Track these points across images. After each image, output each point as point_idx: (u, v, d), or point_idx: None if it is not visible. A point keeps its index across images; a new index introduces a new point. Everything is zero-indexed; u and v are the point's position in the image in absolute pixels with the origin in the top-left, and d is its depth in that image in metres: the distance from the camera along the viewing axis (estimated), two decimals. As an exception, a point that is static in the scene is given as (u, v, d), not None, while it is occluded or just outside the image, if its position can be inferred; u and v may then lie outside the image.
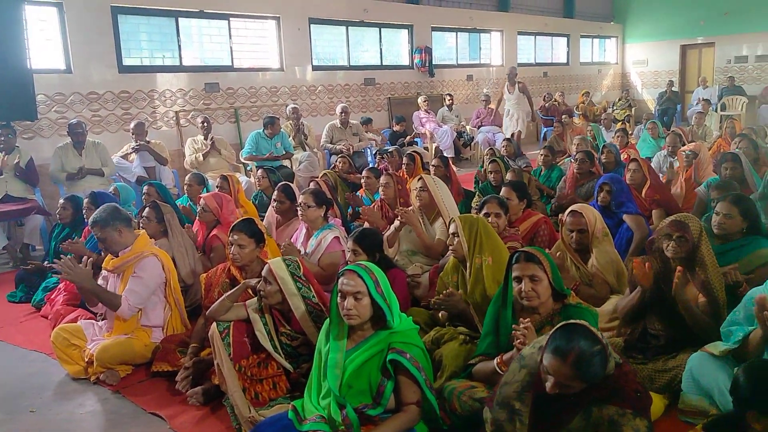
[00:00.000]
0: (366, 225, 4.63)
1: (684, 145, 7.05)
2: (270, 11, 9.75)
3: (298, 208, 4.23)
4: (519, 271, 2.63)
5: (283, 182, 5.00)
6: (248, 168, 8.44)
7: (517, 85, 10.99)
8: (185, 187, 5.75)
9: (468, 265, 3.29)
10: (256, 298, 3.12)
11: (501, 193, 4.39)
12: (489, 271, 3.21)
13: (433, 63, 12.36)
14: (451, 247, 3.39)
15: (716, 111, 13.70)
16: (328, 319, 2.68)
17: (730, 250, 3.49)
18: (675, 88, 15.81)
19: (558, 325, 2.07)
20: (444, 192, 4.56)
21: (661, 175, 6.62)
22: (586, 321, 2.51)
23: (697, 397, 2.67)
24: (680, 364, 2.83)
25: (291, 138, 8.72)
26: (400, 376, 2.46)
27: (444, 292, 3.23)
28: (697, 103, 13.10)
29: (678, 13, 16.75)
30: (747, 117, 13.86)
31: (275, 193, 4.87)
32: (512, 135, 10.92)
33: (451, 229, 3.40)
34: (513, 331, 2.48)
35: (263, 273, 3.03)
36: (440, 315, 3.35)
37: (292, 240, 4.39)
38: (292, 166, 8.44)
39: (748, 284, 3.14)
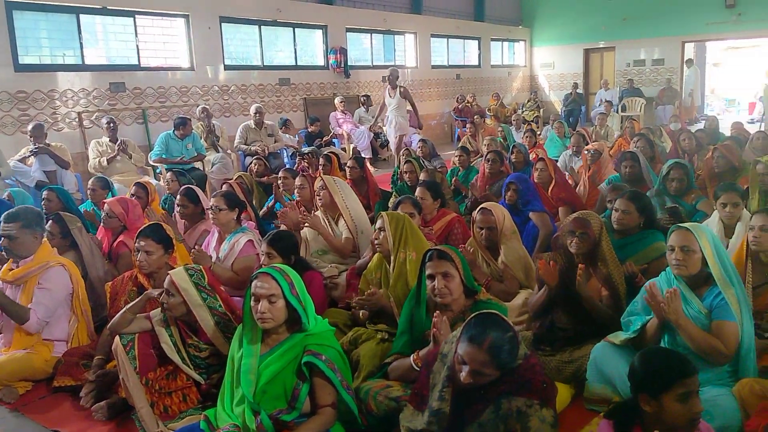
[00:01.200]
0: (283, 227, 4.58)
1: (587, 144, 7.39)
2: (178, 9, 9.45)
3: (209, 212, 4.12)
4: (432, 268, 2.68)
5: (186, 186, 4.83)
6: (158, 171, 8.14)
7: (398, 89, 9.83)
8: (88, 192, 5.46)
9: (392, 259, 3.35)
10: (160, 309, 3.01)
11: (416, 193, 4.46)
12: (412, 265, 3.26)
13: (349, 64, 12.38)
14: (376, 242, 3.43)
15: (617, 112, 14.51)
16: (241, 324, 2.62)
17: (628, 244, 3.70)
18: (579, 90, 16.62)
19: (471, 315, 2.13)
20: (346, 192, 4.59)
21: (567, 173, 6.93)
22: None
23: (601, 386, 2.81)
24: (585, 354, 2.97)
25: (203, 139, 8.49)
26: (315, 378, 2.45)
27: (367, 291, 3.25)
28: (600, 105, 13.82)
29: (581, 19, 17.59)
30: (645, 117, 14.74)
31: (178, 197, 4.70)
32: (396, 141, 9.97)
33: (378, 224, 3.45)
34: (427, 330, 2.52)
35: (165, 284, 2.92)
36: (361, 314, 3.36)
37: (203, 245, 4.28)
38: (204, 168, 8.21)
39: (645, 276, 3.35)
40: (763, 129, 7.91)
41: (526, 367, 2.07)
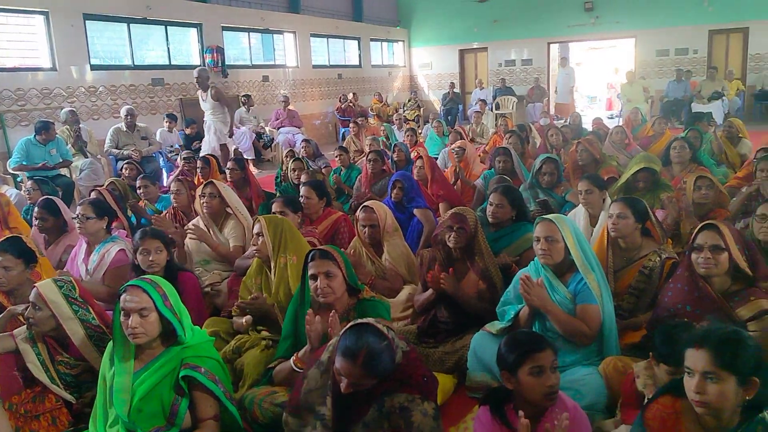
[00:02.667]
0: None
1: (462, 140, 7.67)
2: (36, 5, 8.73)
3: (76, 221, 3.84)
4: (314, 268, 2.66)
5: (44, 197, 4.43)
6: (18, 179, 7.49)
7: (210, 90, 8.93)
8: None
9: (272, 264, 3.27)
10: (25, 327, 2.77)
11: (301, 193, 4.41)
12: (293, 270, 3.21)
13: (227, 63, 12.04)
14: (254, 248, 3.34)
15: (492, 110, 15.17)
16: (111, 341, 2.46)
17: (502, 236, 3.87)
18: (456, 90, 17.22)
19: (346, 327, 2.12)
20: (234, 197, 4.47)
21: (446, 170, 7.15)
22: (380, 313, 2.64)
23: (481, 373, 2.92)
24: (466, 345, 3.09)
25: (69, 144, 7.90)
26: (195, 392, 2.34)
27: (250, 296, 3.16)
28: (475, 104, 14.39)
29: (455, 20, 18.22)
30: (517, 115, 15.54)
31: (35, 210, 4.30)
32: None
33: (255, 229, 3.35)
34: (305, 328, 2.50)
35: (31, 298, 2.70)
36: (244, 321, 3.26)
37: (71, 257, 3.98)
38: (71, 175, 7.66)
39: (518, 266, 3.52)
40: (620, 124, 8.61)
41: (406, 363, 2.10)
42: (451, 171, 6.59)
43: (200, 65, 11.64)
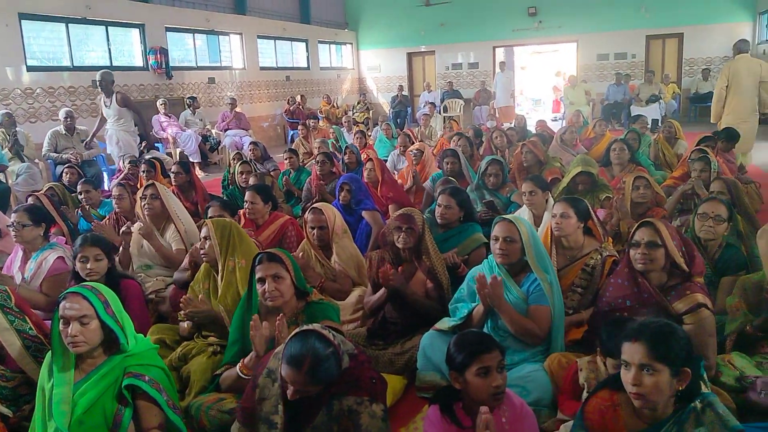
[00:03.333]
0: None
1: (413, 144, 7.73)
2: (-33, 3, 8.37)
3: (11, 229, 3.69)
4: (262, 271, 2.64)
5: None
6: (-51, 185, 7.14)
7: (114, 96, 7.90)
8: None
9: (220, 268, 3.21)
10: (-43, 339, 2.64)
11: (245, 197, 4.35)
12: (242, 273, 3.16)
13: (171, 64, 11.79)
14: (202, 251, 3.28)
15: (440, 113, 15.34)
16: (50, 351, 2.38)
17: (450, 237, 3.93)
18: (405, 92, 17.34)
19: (291, 334, 2.11)
20: (174, 200, 4.38)
21: (396, 172, 7.20)
22: (329, 316, 2.63)
23: (430, 373, 2.94)
24: (416, 345, 3.10)
25: (5, 149, 7.58)
26: (139, 401, 2.28)
27: (195, 302, 3.10)
28: (424, 106, 14.50)
29: (402, 23, 18.36)
30: (464, 117, 15.77)
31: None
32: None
33: (203, 233, 3.29)
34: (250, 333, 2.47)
35: (-37, 309, 2.58)
36: (186, 326, 3.20)
37: (6, 265, 3.82)
38: (7, 180, 7.35)
39: (466, 265, 3.57)
40: (565, 125, 8.86)
41: (354, 366, 2.11)
42: (403, 173, 6.63)
43: (144, 67, 11.39)
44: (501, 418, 2.10)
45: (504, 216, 3.02)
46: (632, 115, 11.70)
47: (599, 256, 3.24)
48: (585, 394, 2.38)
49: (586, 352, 2.72)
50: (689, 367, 1.84)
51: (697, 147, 5.45)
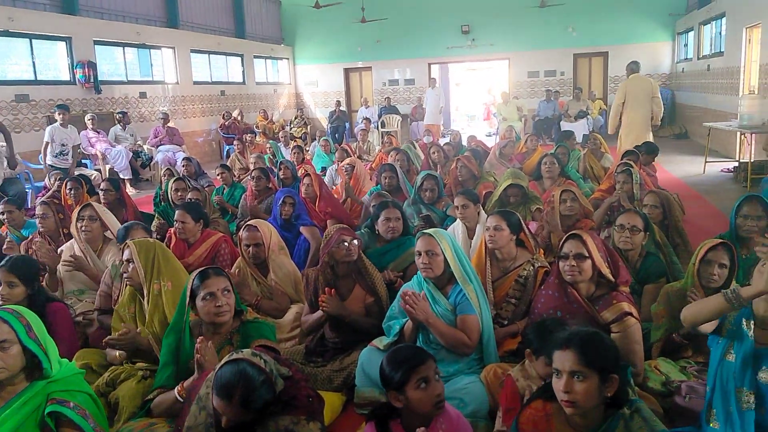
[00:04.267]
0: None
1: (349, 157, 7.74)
2: None
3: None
4: (212, 286, 2.60)
5: None
6: None
7: None
8: None
9: (146, 292, 3.10)
10: None
11: (175, 216, 4.22)
12: (169, 296, 3.07)
13: (100, 79, 11.40)
14: (125, 275, 3.16)
15: (377, 128, 15.46)
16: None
17: (388, 251, 3.95)
18: (342, 108, 17.38)
19: (221, 363, 2.06)
20: (114, 220, 4.23)
21: (334, 187, 7.18)
22: (264, 335, 2.59)
23: (369, 389, 2.93)
24: (354, 361, 3.10)
25: None
26: (63, 429, 2.17)
27: (120, 331, 2.97)
28: (361, 121, 14.58)
29: (339, 39, 18.45)
30: (402, 132, 15.95)
31: None
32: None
33: (125, 255, 3.16)
34: (191, 359, 2.41)
35: None
36: (117, 354, 3.07)
37: None
38: None
39: (403, 279, 3.60)
40: (498, 141, 9.09)
41: (290, 385, 2.08)
42: (338, 188, 6.63)
43: (70, 81, 10.98)
44: (438, 430, 2.11)
45: (424, 231, 3.06)
46: (562, 130, 12.12)
47: (531, 268, 3.32)
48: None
49: (522, 362, 2.78)
50: (617, 374, 1.90)
51: (622, 161, 5.70)
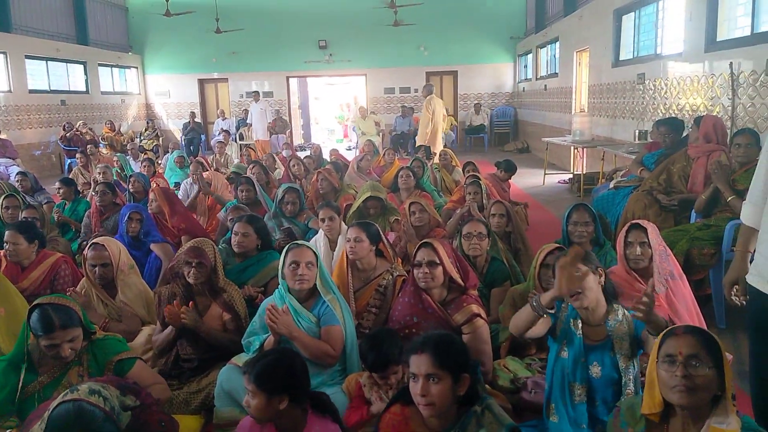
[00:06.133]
0: None
1: (206, 172, 7.50)
2: None
3: None
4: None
5: None
6: None
7: None
8: None
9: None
10: None
11: (5, 237, 3.82)
12: (2, 323, 2.80)
13: None
14: None
15: (235, 141, 15.09)
16: None
17: (249, 266, 3.87)
18: (198, 119, 16.77)
19: (55, 403, 1.91)
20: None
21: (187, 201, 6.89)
22: (116, 350, 2.46)
23: (229, 408, 2.84)
24: (213, 381, 2.98)
25: None
26: None
27: None
28: (219, 134, 14.18)
29: (192, 50, 17.84)
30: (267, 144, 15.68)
31: None
32: None
33: None
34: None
35: None
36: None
37: None
38: None
39: (264, 294, 3.54)
40: (356, 154, 9.29)
41: (139, 412, 1.97)
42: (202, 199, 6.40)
43: None
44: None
45: (297, 242, 3.05)
46: (417, 144, 12.62)
47: (390, 277, 3.42)
48: (374, 406, 2.55)
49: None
50: (468, 373, 2.01)
51: (471, 173, 6.05)
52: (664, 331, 1.91)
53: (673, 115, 7.00)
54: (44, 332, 2.37)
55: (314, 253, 2.94)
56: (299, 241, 3.07)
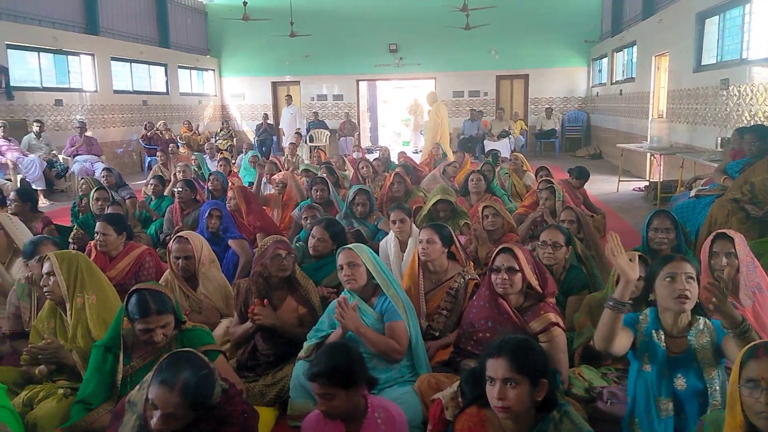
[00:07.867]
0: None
1: (280, 171, 7.69)
2: None
3: None
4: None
5: None
6: None
7: None
8: None
9: (68, 306, 2.95)
10: None
11: (96, 228, 4.04)
12: (93, 310, 2.94)
13: (12, 84, 10.80)
14: (46, 289, 2.99)
15: (306, 142, 15.40)
16: None
17: (323, 266, 3.96)
18: (270, 121, 17.20)
19: (163, 357, 2.01)
20: (21, 231, 4.01)
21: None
22: (204, 340, 2.56)
23: (303, 401, 2.91)
24: (287, 375, 3.08)
25: None
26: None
27: (42, 342, 2.82)
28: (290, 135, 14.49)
29: (267, 53, 18.30)
30: (330, 147, 15.96)
31: None
32: None
33: (45, 268, 2.99)
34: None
35: None
36: (37, 371, 2.90)
37: None
38: None
39: (337, 295, 3.60)
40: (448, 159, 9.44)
41: (225, 400, 2.04)
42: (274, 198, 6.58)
43: (-21, 85, 10.36)
44: (376, 420, 2.15)
45: (344, 246, 3.11)
46: (486, 149, 12.53)
47: (462, 280, 3.41)
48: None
49: (453, 372, 2.85)
50: (546, 379, 1.98)
51: (545, 178, 5.95)
52: (745, 349, 1.82)
53: (759, 123, 6.67)
54: (141, 316, 2.48)
55: (361, 252, 3.00)
56: (348, 245, 3.13)
